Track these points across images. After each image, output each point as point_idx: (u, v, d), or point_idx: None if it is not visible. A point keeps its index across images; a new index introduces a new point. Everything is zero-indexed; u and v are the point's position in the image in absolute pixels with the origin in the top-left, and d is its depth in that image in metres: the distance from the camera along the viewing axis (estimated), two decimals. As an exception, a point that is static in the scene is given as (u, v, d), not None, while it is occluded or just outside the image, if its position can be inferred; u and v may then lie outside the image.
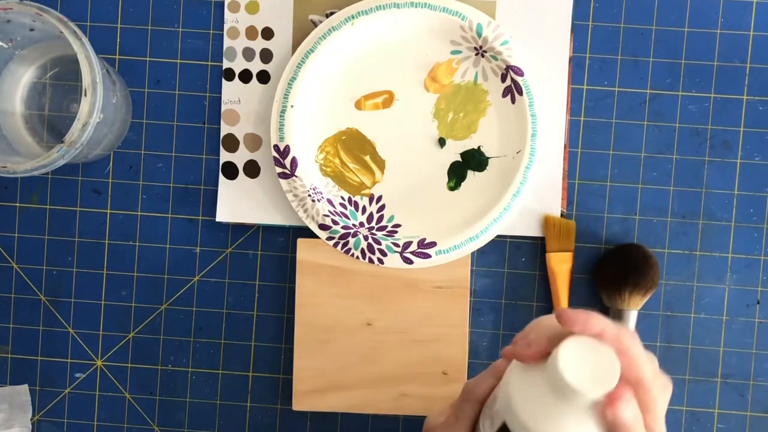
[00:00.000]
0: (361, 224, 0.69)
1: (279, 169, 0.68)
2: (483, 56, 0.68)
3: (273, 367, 0.72)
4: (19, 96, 0.70)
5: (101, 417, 0.72)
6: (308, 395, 0.69)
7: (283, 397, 0.72)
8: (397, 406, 0.69)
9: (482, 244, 0.68)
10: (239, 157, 0.71)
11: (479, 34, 0.67)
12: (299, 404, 0.70)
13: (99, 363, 0.72)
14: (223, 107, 0.71)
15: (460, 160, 0.69)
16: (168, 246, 0.72)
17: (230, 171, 0.71)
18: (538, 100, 0.68)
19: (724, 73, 0.70)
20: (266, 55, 0.70)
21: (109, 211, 0.72)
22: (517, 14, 0.69)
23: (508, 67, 0.67)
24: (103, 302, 0.72)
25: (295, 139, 0.68)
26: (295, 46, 0.70)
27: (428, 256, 0.68)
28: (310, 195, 0.68)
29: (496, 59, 0.68)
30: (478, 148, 0.69)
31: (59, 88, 0.70)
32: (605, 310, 0.70)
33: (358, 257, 0.68)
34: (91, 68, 0.60)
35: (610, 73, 0.70)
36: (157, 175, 0.71)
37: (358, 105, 0.70)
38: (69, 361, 0.72)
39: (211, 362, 0.72)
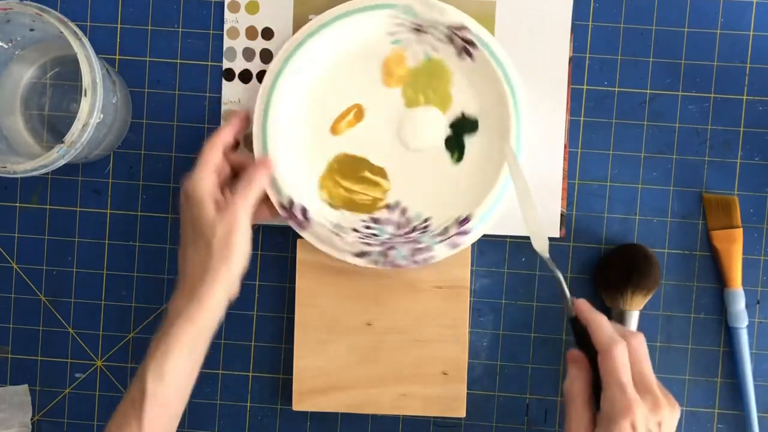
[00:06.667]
0: (394, 235, 0.69)
1: (293, 224, 0.67)
2: (424, 32, 0.68)
3: (273, 367, 0.72)
4: (19, 96, 0.70)
5: (101, 417, 0.72)
6: (309, 395, 0.69)
7: (283, 397, 0.72)
8: (398, 406, 0.69)
9: (507, 204, 0.67)
10: (239, 157, 0.71)
11: (413, 14, 0.67)
12: (299, 404, 0.69)
13: (99, 363, 0.72)
14: (223, 107, 0.71)
15: (451, 132, 0.69)
16: (168, 246, 0.72)
17: (230, 171, 0.71)
18: (507, 60, 0.67)
19: (724, 73, 0.70)
20: (266, 56, 0.70)
21: (109, 211, 0.72)
22: (517, 14, 0.69)
23: (450, 28, 0.67)
24: (103, 302, 0.72)
25: (292, 190, 0.67)
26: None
27: (468, 231, 0.67)
28: (334, 233, 0.67)
29: (436, 28, 0.67)
30: (462, 113, 0.69)
31: (59, 88, 0.70)
32: (607, 311, 0.70)
33: (408, 266, 0.67)
34: (91, 68, 0.60)
35: (610, 73, 0.70)
36: (157, 175, 0.71)
37: (334, 130, 0.69)
38: (69, 361, 0.72)
39: (211, 362, 0.72)
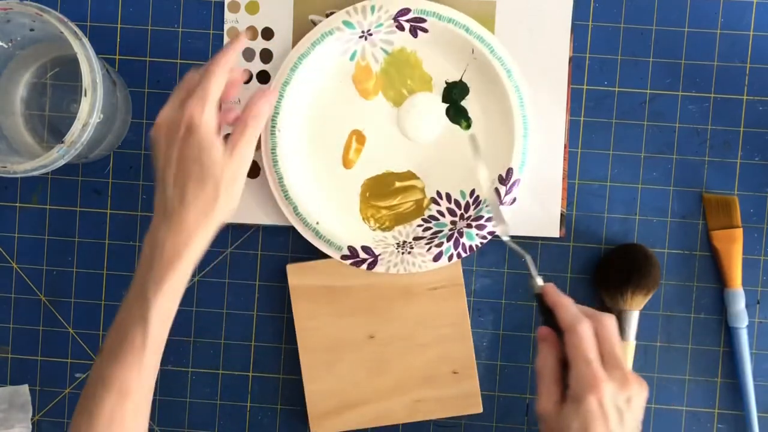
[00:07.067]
0: (454, 222, 0.69)
1: (366, 266, 0.68)
2: (370, 34, 0.68)
3: (273, 367, 0.72)
4: (20, 96, 0.70)
5: (101, 417, 0.72)
6: (325, 418, 0.69)
7: (282, 397, 0.72)
8: (413, 414, 0.69)
9: (533, 133, 0.68)
10: (239, 157, 0.71)
11: (352, 26, 0.67)
12: (317, 428, 0.69)
13: (99, 363, 0.72)
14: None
15: (447, 104, 0.69)
16: (168, 246, 0.71)
17: (230, 171, 0.71)
18: (457, 14, 0.67)
19: (724, 73, 0.70)
20: (266, 56, 0.70)
21: (109, 211, 0.72)
22: (517, 14, 0.69)
23: (395, 18, 0.67)
24: (103, 302, 0.72)
25: (344, 238, 0.68)
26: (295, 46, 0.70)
27: (517, 182, 0.67)
28: (403, 252, 0.68)
29: (381, 25, 0.67)
30: (446, 82, 0.69)
31: (59, 88, 0.70)
32: (607, 311, 0.69)
33: (483, 243, 0.68)
34: (91, 68, 0.60)
35: (610, 73, 0.70)
36: (157, 175, 0.71)
37: (347, 163, 0.70)
38: (69, 361, 0.72)
39: (211, 362, 0.72)
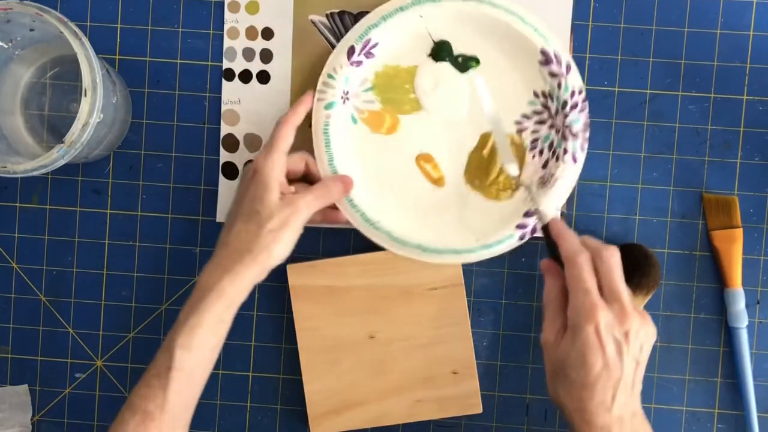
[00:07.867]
0: (552, 125, 0.68)
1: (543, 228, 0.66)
2: (347, 92, 0.68)
3: (273, 367, 0.72)
4: (19, 96, 0.70)
5: (101, 417, 0.72)
6: (324, 418, 0.69)
7: (282, 397, 0.72)
8: (414, 414, 0.69)
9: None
10: (239, 157, 0.71)
11: (333, 105, 0.67)
12: (317, 428, 0.69)
13: (99, 363, 0.72)
14: (223, 107, 0.71)
15: (449, 64, 0.69)
16: (168, 246, 0.72)
17: (230, 171, 0.71)
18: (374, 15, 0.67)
19: (724, 73, 0.70)
20: (266, 56, 0.70)
21: (109, 211, 0.72)
22: (517, 14, 0.69)
23: (350, 63, 0.67)
24: (103, 302, 0.72)
25: (499, 225, 0.67)
26: (296, 46, 0.70)
27: (561, 57, 0.67)
28: (549, 184, 0.66)
29: (347, 79, 0.67)
30: (427, 55, 0.69)
31: (59, 88, 0.70)
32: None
33: (587, 116, 0.67)
34: (91, 68, 0.60)
35: (610, 73, 0.70)
36: (157, 175, 0.71)
37: (440, 182, 0.69)
38: (69, 361, 0.72)
39: (211, 362, 0.72)
